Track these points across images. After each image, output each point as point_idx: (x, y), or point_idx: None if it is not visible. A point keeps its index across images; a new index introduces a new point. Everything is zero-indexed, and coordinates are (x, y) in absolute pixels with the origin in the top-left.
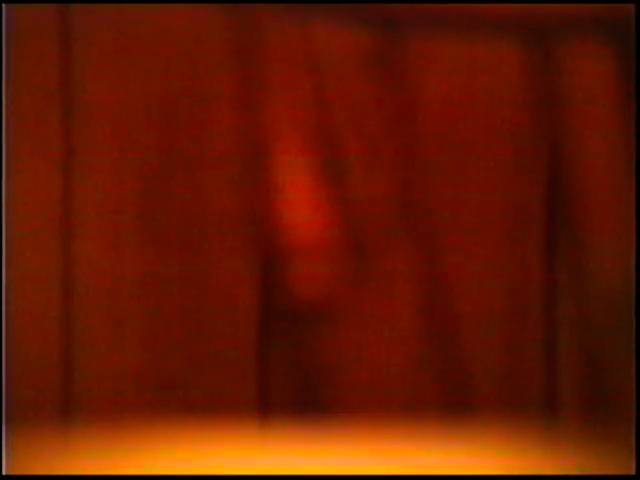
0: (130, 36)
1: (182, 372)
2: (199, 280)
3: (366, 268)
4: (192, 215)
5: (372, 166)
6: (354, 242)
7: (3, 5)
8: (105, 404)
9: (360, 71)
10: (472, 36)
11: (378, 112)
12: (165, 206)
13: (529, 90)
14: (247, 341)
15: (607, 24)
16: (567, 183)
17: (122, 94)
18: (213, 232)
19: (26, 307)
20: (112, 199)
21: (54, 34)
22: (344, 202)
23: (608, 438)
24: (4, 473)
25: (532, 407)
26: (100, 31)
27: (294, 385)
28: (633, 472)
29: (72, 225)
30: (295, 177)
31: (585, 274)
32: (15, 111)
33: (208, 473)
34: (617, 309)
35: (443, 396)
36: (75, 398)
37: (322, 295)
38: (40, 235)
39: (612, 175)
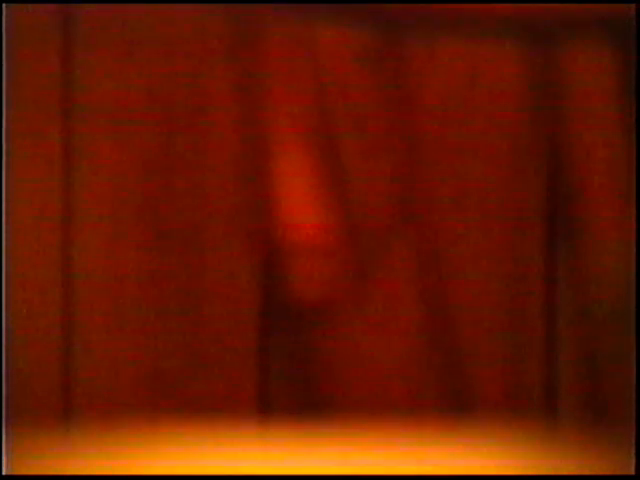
0: (131, 36)
1: (182, 372)
2: (199, 279)
3: (367, 267)
4: (193, 214)
5: (373, 165)
6: (355, 241)
7: (3, 5)
8: (105, 404)
9: (361, 71)
10: (473, 36)
11: (379, 111)
12: (165, 205)
13: (529, 90)
14: (247, 340)
15: (607, 24)
16: (568, 182)
17: (122, 93)
18: (214, 231)
19: (26, 307)
20: (112, 198)
21: (54, 34)
22: (344, 201)
23: (608, 438)
24: (4, 473)
25: (532, 407)
26: (100, 30)
27: (294, 385)
28: (633, 472)
29: (72, 225)
30: (296, 176)
31: (586, 274)
32: (15, 111)
33: (208, 473)
34: (617, 309)
35: (443, 396)
36: (75, 398)
37: (323, 294)
38: (40, 235)
39: (612, 174)
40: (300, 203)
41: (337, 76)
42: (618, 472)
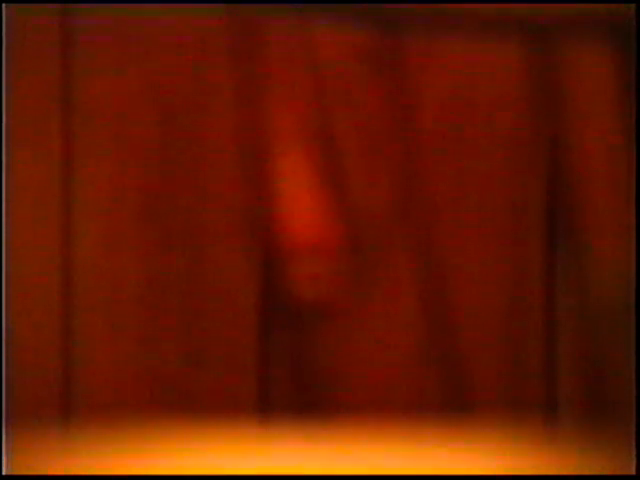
0: (131, 35)
1: (182, 372)
2: (199, 280)
3: (367, 268)
4: (193, 216)
5: (373, 166)
6: (355, 242)
7: (3, 5)
8: (105, 404)
9: (361, 72)
10: (473, 36)
11: (379, 113)
12: (166, 206)
13: (530, 90)
14: (247, 341)
15: (607, 24)
16: (568, 183)
17: (122, 93)
18: (214, 232)
19: (26, 307)
20: (112, 198)
21: (55, 34)
22: (345, 202)
23: (608, 438)
24: (4, 473)
25: (532, 407)
26: (101, 31)
27: (294, 385)
28: (633, 472)
29: (72, 225)
30: (296, 177)
31: (586, 273)
32: (15, 111)
33: (208, 473)
34: (617, 308)
35: (443, 396)
36: (75, 398)
37: (323, 295)
38: (40, 235)
39: (613, 174)
40: (300, 203)
41: (337, 76)
42: (618, 472)
